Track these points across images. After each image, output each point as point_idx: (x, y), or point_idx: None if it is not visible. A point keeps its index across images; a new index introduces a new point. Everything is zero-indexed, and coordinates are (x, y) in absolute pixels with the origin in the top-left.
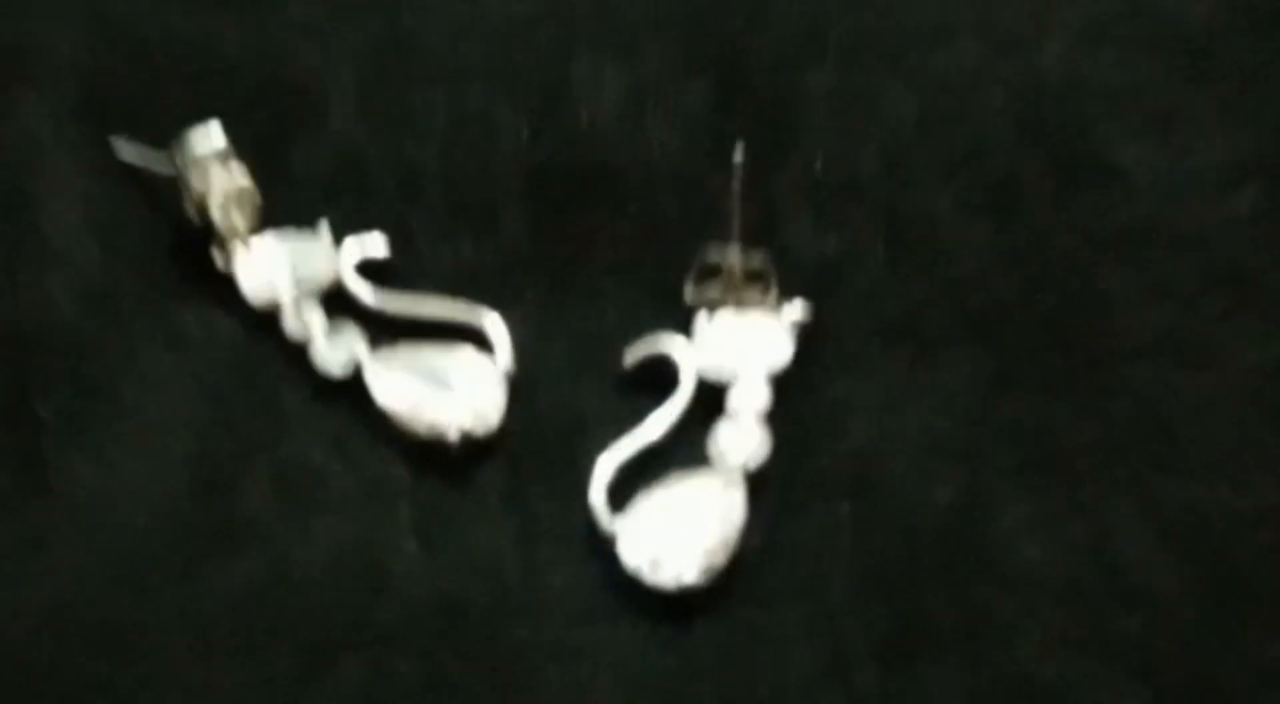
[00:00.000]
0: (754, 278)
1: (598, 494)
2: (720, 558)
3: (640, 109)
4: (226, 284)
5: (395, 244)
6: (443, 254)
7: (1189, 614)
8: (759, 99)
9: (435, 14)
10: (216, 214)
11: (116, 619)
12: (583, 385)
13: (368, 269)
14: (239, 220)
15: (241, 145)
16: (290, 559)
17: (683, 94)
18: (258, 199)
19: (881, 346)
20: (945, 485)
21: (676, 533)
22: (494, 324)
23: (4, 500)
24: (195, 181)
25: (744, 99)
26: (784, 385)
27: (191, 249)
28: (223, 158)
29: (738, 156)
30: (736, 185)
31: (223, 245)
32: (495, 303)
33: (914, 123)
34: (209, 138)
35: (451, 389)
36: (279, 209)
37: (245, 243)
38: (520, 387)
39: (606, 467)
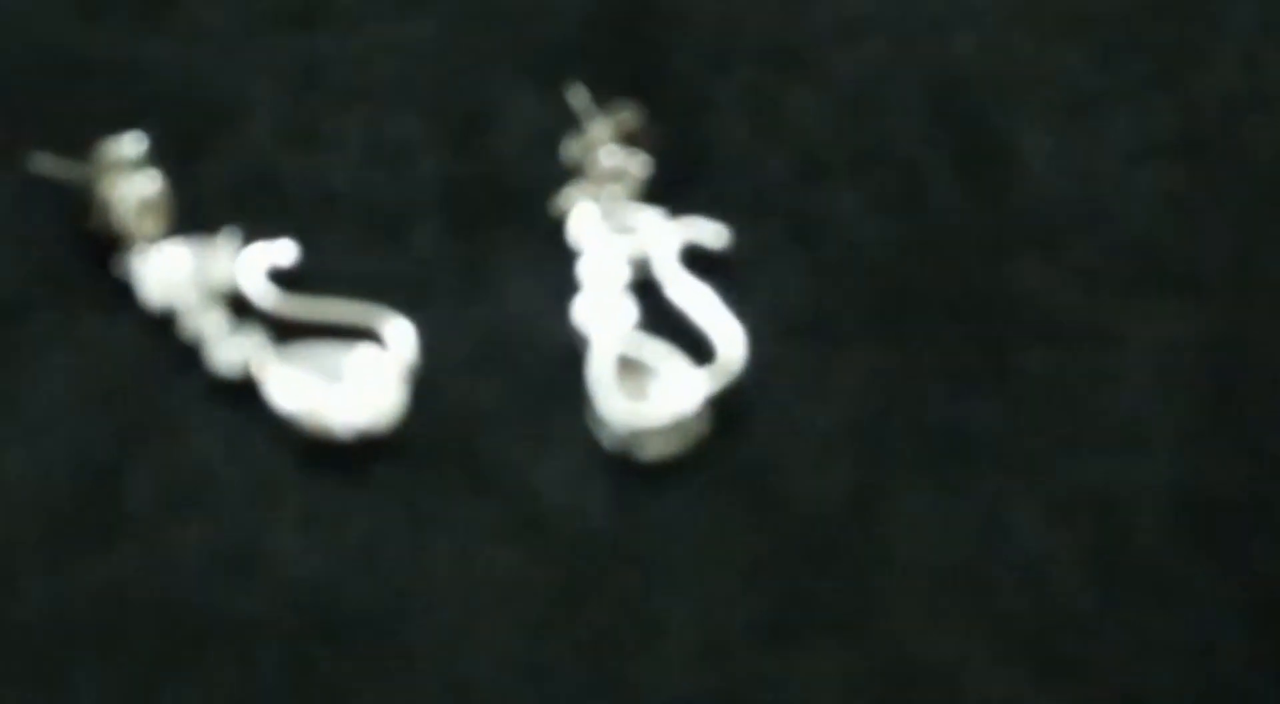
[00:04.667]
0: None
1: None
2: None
3: (557, 128)
4: (128, 290)
5: (306, 255)
6: (352, 264)
7: (1080, 594)
8: (672, 111)
9: (354, 35)
10: (129, 219)
11: None
12: (486, 383)
13: (279, 278)
14: (149, 226)
15: (157, 157)
16: (164, 554)
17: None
18: (169, 206)
19: (788, 342)
20: (846, 474)
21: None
22: (396, 325)
23: None
24: (109, 187)
25: (656, 111)
26: None
27: (97, 256)
28: (138, 165)
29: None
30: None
31: (129, 247)
32: (401, 308)
33: (824, 121)
34: (126, 146)
35: (347, 386)
36: (192, 220)
37: (150, 248)
38: (421, 386)
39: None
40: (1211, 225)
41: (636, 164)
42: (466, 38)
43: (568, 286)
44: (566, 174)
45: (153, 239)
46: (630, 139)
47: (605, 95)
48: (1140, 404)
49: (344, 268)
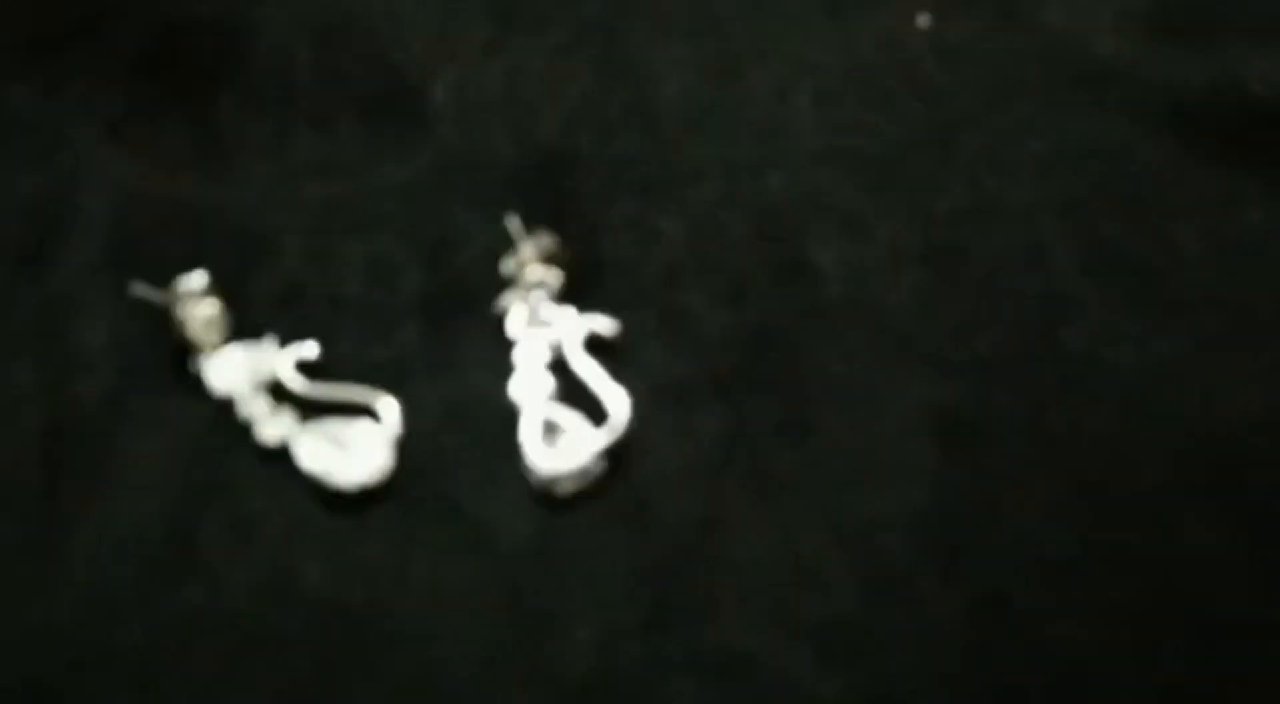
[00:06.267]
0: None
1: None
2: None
3: (499, 247)
4: (199, 383)
5: (323, 348)
6: (357, 353)
7: (854, 602)
8: (579, 230)
9: (359, 179)
10: (198, 333)
11: (98, 639)
12: (450, 441)
13: (305, 368)
14: (212, 337)
15: (215, 277)
16: (224, 587)
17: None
18: (226, 322)
19: (655, 403)
20: (697, 506)
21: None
22: (386, 404)
23: (28, 543)
24: (184, 310)
25: (565, 231)
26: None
27: (177, 358)
28: (203, 294)
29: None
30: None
31: (200, 353)
32: (391, 385)
33: (682, 240)
34: (194, 281)
35: (351, 452)
36: (243, 328)
37: (214, 352)
38: (405, 444)
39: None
40: (948, 311)
41: (553, 276)
42: (435, 180)
43: (507, 367)
44: (504, 283)
45: (215, 346)
46: (549, 258)
47: (532, 221)
48: (898, 450)
49: (351, 355)
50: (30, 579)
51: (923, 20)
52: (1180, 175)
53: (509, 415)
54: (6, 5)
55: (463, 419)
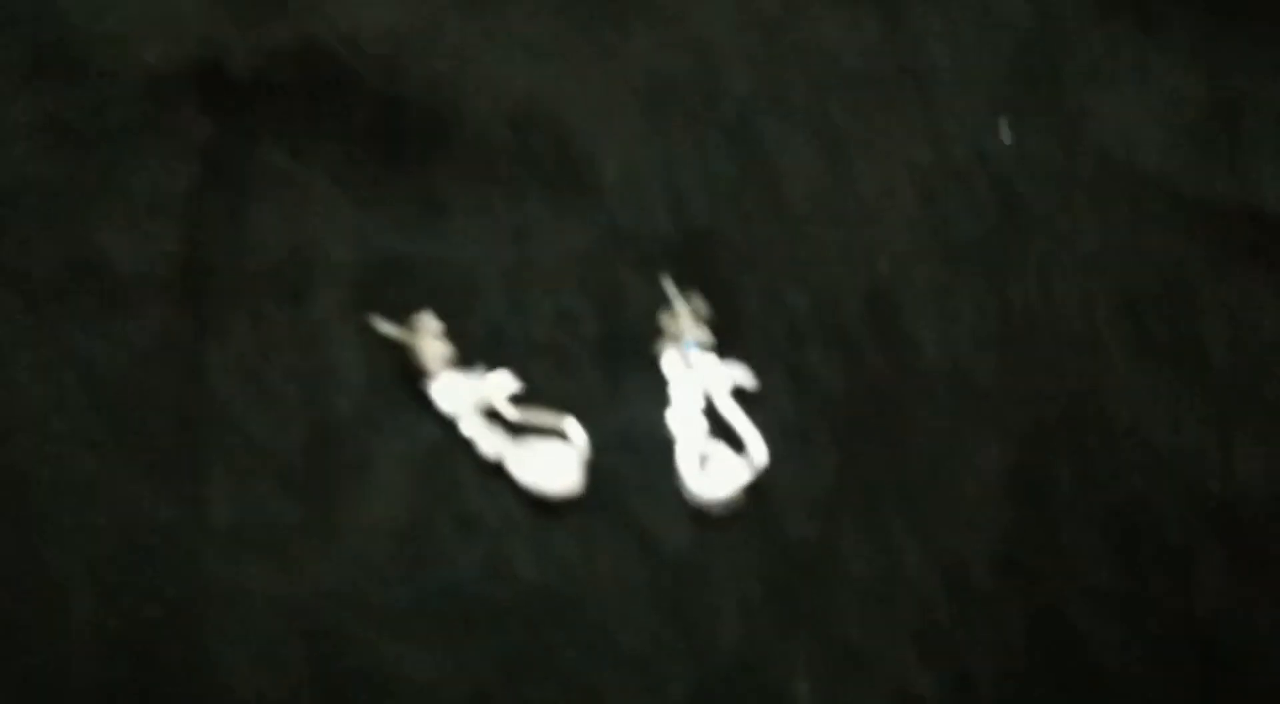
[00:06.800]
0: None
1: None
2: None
3: (658, 303)
4: (431, 403)
5: (521, 380)
6: (548, 386)
7: (945, 612)
8: (722, 294)
9: (546, 243)
10: (428, 363)
11: (380, 602)
12: (623, 461)
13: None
14: (438, 367)
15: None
16: (456, 568)
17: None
18: (451, 355)
19: (783, 442)
20: (818, 529)
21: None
22: (574, 428)
23: (305, 523)
24: (421, 346)
25: (711, 295)
26: None
27: (413, 382)
28: (435, 333)
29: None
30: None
31: (429, 378)
32: (574, 414)
33: (805, 309)
34: (427, 321)
35: (552, 468)
36: (458, 358)
37: (441, 379)
38: (589, 462)
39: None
40: (1018, 384)
41: (702, 333)
42: (606, 247)
43: (665, 401)
44: (663, 334)
45: (441, 374)
46: (699, 318)
47: (683, 283)
48: (977, 495)
49: (543, 389)
50: (308, 552)
51: (1004, 133)
52: (1210, 277)
53: (668, 443)
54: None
55: (633, 444)
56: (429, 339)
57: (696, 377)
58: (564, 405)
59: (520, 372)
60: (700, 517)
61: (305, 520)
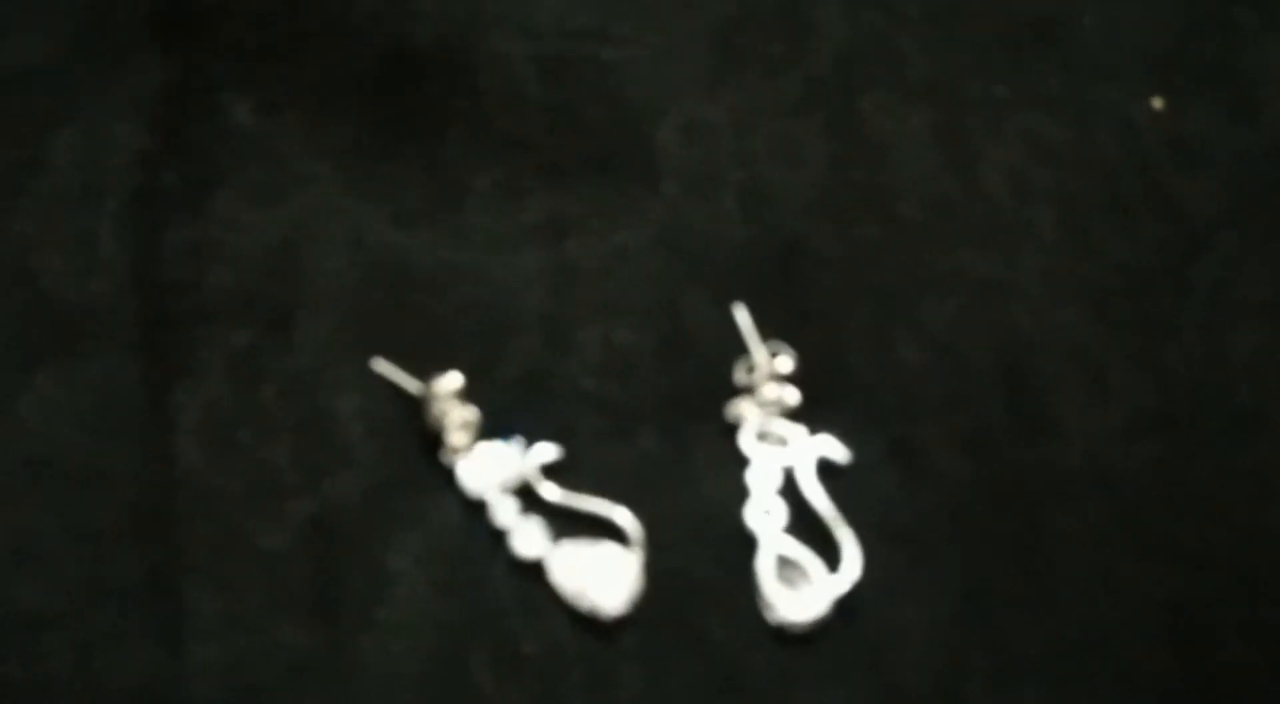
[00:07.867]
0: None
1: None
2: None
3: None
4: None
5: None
6: (595, 454)
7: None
8: (813, 337)
9: (591, 243)
10: (451, 434)
11: None
12: (691, 562)
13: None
14: (463, 439)
15: (455, 353)
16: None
17: None
18: (479, 423)
19: (884, 541)
20: (934, 665)
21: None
22: (626, 518)
23: (314, 648)
24: (438, 409)
25: (798, 337)
26: None
27: (429, 446)
28: (459, 396)
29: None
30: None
31: (452, 450)
32: (627, 488)
33: (920, 366)
34: (451, 382)
35: (604, 578)
36: (484, 418)
37: (467, 452)
38: (648, 560)
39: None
40: (1183, 492)
41: (789, 395)
42: (665, 251)
43: (740, 476)
44: (738, 393)
45: (468, 448)
46: (781, 374)
47: (762, 313)
48: (1130, 644)
49: (588, 455)
50: (321, 678)
51: (1158, 103)
52: None
53: (746, 540)
54: (221, 14)
55: (701, 538)
56: (456, 406)
57: (779, 455)
58: (616, 477)
59: (558, 425)
60: (781, 633)
61: (313, 646)
